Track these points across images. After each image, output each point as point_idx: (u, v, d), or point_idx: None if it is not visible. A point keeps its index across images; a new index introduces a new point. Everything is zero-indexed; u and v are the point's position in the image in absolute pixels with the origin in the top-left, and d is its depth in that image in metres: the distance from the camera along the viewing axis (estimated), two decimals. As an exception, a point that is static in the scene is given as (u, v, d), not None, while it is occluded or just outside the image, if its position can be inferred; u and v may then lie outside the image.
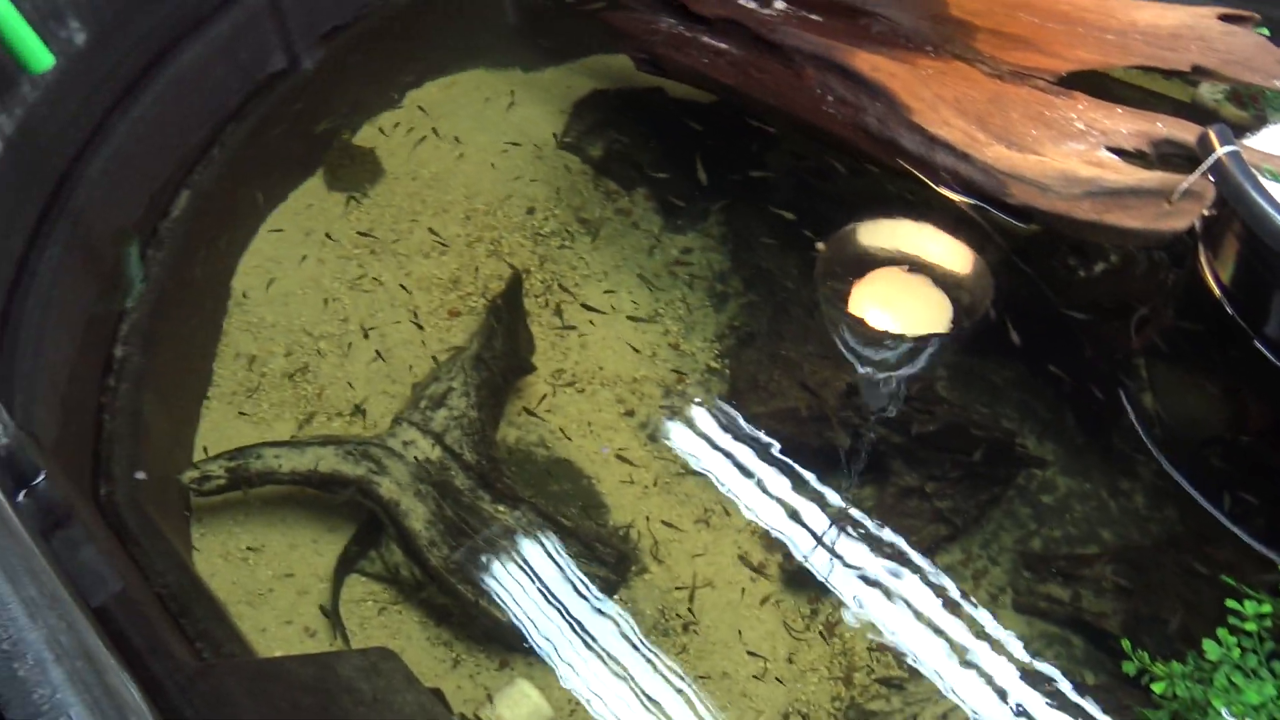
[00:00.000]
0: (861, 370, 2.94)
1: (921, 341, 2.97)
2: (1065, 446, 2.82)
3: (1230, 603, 1.95)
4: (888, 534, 2.66)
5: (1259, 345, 2.31)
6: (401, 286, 3.11)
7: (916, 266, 3.08)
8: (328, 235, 3.22)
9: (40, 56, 2.38)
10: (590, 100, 3.61)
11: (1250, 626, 1.92)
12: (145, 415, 2.51)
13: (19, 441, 1.85)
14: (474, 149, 3.48)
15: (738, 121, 3.32)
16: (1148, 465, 2.75)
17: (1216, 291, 2.36)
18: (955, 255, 3.06)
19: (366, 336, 3.00)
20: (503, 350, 2.88)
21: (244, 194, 3.18)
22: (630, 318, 3.09)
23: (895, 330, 2.95)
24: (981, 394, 2.91)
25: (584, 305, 3.11)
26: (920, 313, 3.02)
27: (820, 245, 3.11)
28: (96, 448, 2.39)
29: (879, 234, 3.15)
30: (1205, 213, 2.29)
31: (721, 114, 3.39)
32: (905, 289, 3.07)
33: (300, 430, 2.79)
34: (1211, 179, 2.23)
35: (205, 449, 2.72)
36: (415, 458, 2.60)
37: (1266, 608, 1.90)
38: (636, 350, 3.02)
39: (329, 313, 3.03)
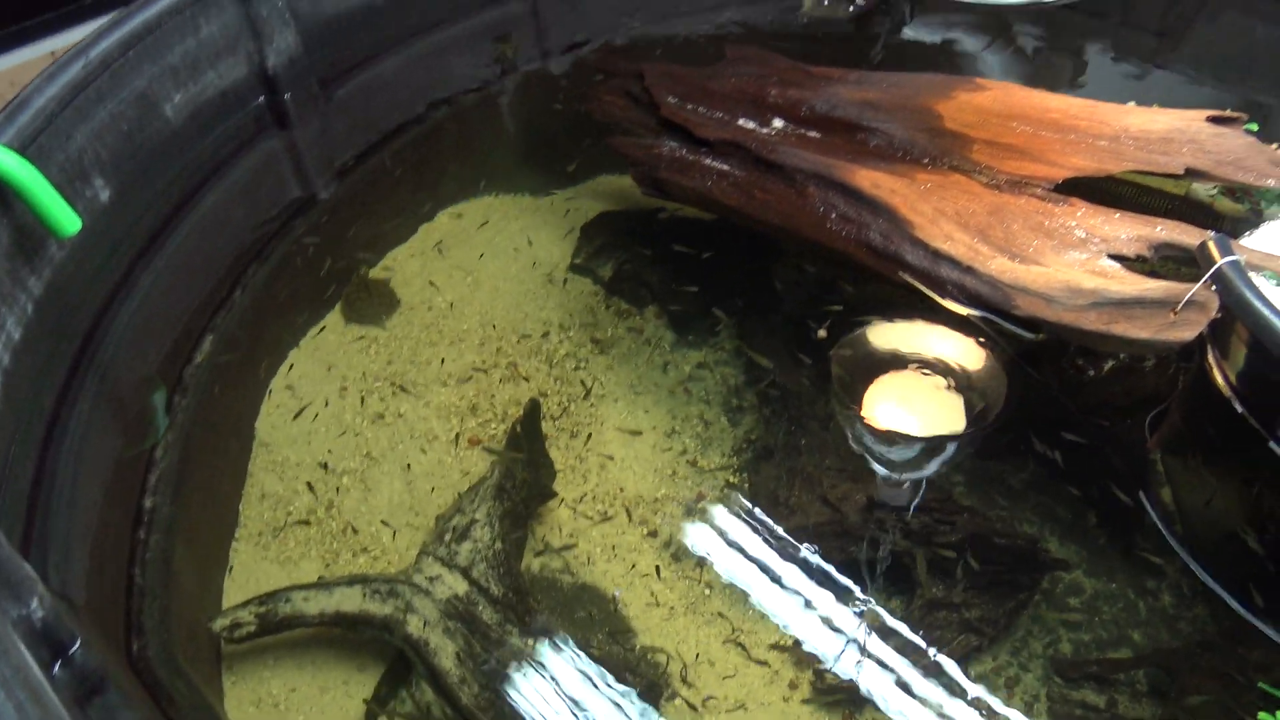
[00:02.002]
0: (879, 472, 2.95)
1: (936, 442, 2.99)
2: (1088, 548, 2.81)
3: (1263, 715, 1.94)
4: (919, 647, 2.64)
5: (1273, 446, 2.32)
6: (421, 418, 3.15)
7: (930, 367, 3.12)
8: (348, 370, 3.28)
9: (68, 222, 2.47)
10: (599, 222, 3.70)
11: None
12: (175, 565, 2.54)
13: (54, 611, 1.87)
14: (487, 275, 3.56)
15: (745, 235, 3.40)
16: (1172, 563, 2.74)
17: (1227, 391, 2.38)
18: (968, 356, 3.10)
19: (393, 468, 3.03)
20: (524, 478, 2.91)
21: (266, 334, 3.25)
22: (648, 437, 3.12)
23: (909, 432, 2.97)
24: (1001, 497, 2.91)
25: (601, 426, 3.14)
26: (934, 414, 3.04)
27: (822, 331, 3.15)
28: (128, 602, 2.41)
29: (891, 336, 3.19)
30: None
31: (728, 229, 3.47)
32: (919, 390, 3.10)
33: (326, 569, 2.81)
34: (1214, 288, 2.27)
35: (234, 595, 2.74)
36: (442, 593, 2.61)
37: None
38: (656, 469, 3.05)
39: (351, 448, 3.08)
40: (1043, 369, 2.99)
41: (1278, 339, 2.06)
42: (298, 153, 3.39)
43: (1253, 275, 2.29)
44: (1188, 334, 2.23)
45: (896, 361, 3.16)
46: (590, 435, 3.12)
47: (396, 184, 3.68)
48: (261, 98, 3.35)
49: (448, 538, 2.76)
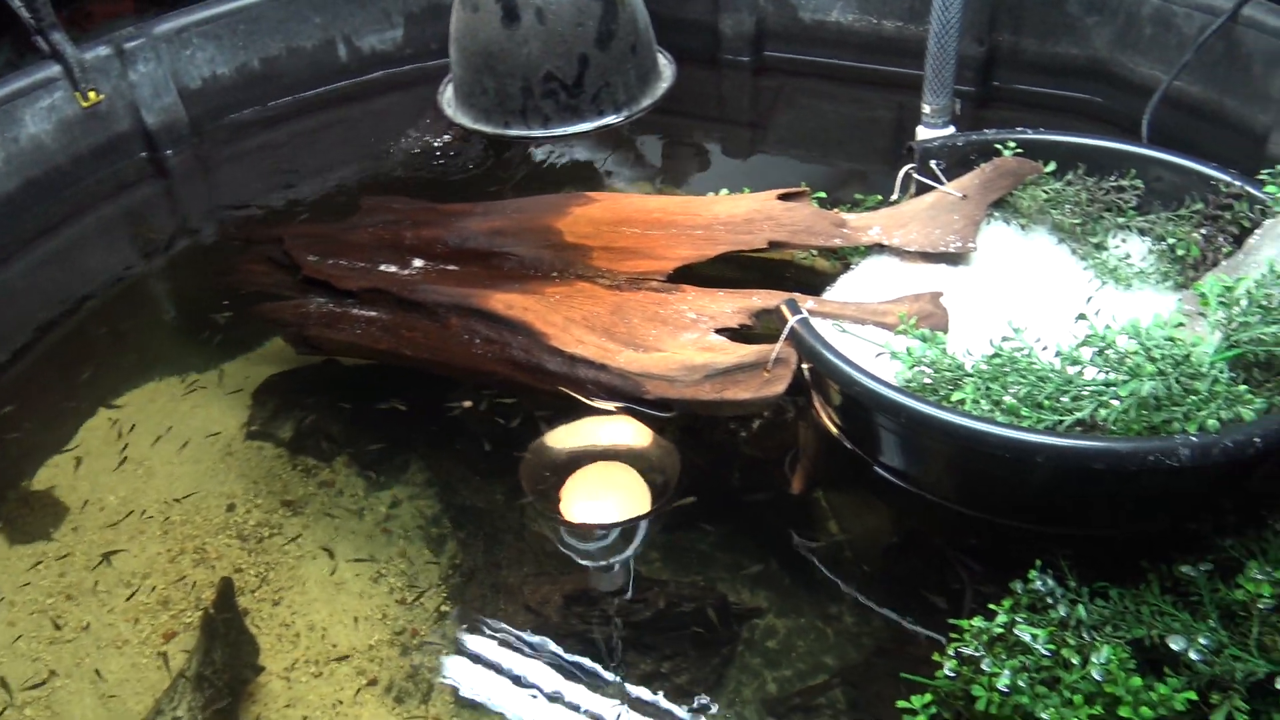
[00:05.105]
0: (590, 565, 3.09)
1: (630, 524, 3.17)
2: (776, 590, 3.05)
3: (900, 703, 2.23)
4: (641, 723, 2.77)
5: (879, 470, 2.65)
6: (108, 624, 3.02)
7: (610, 457, 3.31)
8: (15, 595, 3.09)
9: None
10: (270, 384, 3.70)
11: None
12: None
13: None
14: (161, 462, 3.48)
15: (415, 370, 3.51)
16: (847, 585, 3.04)
17: (834, 430, 2.71)
18: (642, 440, 3.32)
19: (82, 685, 2.87)
20: (224, 661, 2.84)
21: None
22: (353, 585, 3.12)
23: (603, 521, 3.14)
24: (693, 563, 3.12)
25: (304, 587, 3.12)
26: (623, 498, 3.23)
27: (466, 402, 3.28)
28: None
29: (571, 436, 3.37)
30: (805, 366, 2.65)
31: (398, 366, 3.57)
32: (605, 480, 3.28)
33: (19, 814, 2.62)
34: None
35: None
36: (149, 805, 2.50)
37: (928, 696, 2.20)
38: (366, 617, 3.05)
39: (31, 674, 2.89)
40: (702, 438, 3.25)
41: (843, 378, 2.39)
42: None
43: (830, 324, 2.64)
44: (780, 387, 2.54)
45: (579, 458, 3.33)
46: (293, 599, 3.08)
47: (44, 390, 3.54)
48: None
49: (150, 745, 2.65)
